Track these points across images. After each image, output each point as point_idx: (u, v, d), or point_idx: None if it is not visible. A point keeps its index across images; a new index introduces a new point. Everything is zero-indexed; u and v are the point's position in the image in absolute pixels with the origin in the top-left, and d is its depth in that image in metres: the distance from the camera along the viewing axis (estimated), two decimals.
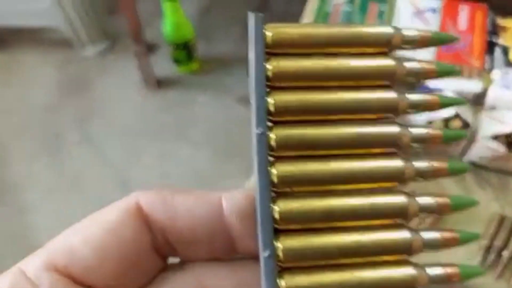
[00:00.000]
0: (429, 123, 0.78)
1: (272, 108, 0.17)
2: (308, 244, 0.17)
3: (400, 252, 0.18)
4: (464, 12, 0.96)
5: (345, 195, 0.18)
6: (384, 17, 0.96)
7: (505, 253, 0.72)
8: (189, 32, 1.50)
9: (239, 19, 1.73)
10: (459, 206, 0.20)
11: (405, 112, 0.19)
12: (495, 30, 0.94)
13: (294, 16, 1.09)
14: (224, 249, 0.20)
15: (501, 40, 0.93)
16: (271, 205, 0.17)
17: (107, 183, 1.42)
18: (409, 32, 0.19)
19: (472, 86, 0.83)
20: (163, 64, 1.61)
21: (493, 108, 0.82)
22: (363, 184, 0.18)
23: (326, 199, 0.18)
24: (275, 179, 0.17)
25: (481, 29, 0.94)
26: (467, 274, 0.20)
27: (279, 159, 0.18)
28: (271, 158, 0.18)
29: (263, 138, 0.17)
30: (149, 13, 1.65)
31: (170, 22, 1.45)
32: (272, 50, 0.18)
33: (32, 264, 0.18)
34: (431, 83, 0.82)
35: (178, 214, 0.19)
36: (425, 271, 0.19)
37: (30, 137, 1.51)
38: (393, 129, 0.19)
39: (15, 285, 0.17)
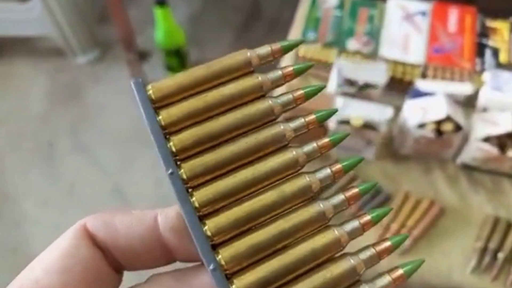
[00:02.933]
0: (422, 126, 0.78)
1: (174, 150, 0.21)
2: (244, 246, 0.20)
3: (318, 223, 0.21)
4: (453, 15, 0.97)
5: (258, 194, 0.21)
6: (374, 21, 0.96)
7: (500, 255, 0.72)
8: (181, 38, 1.50)
9: (231, 25, 1.74)
10: (350, 167, 0.23)
11: (281, 112, 0.23)
12: (485, 32, 0.95)
13: (285, 22, 1.10)
14: (163, 259, 0.22)
15: (491, 42, 0.94)
16: (202, 227, 0.20)
17: (102, 190, 1.41)
18: (262, 50, 0.23)
19: (463, 88, 0.83)
20: (155, 71, 1.61)
21: (484, 109, 0.82)
22: (270, 180, 0.22)
23: (244, 204, 0.21)
24: (197, 205, 0.20)
25: (470, 31, 0.95)
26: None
27: (195, 188, 0.21)
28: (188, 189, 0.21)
29: (175, 177, 0.20)
30: (141, 20, 1.65)
31: (162, 29, 1.44)
32: (161, 103, 0.22)
33: None
34: (422, 87, 0.82)
35: (118, 232, 0.21)
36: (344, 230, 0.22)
37: (24, 147, 1.50)
38: (277, 127, 0.22)
39: None
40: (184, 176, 0.21)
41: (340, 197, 0.22)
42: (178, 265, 0.22)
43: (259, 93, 0.23)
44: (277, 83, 0.23)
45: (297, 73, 0.23)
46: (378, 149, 0.82)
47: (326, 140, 0.23)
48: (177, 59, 1.53)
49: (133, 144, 1.49)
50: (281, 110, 0.23)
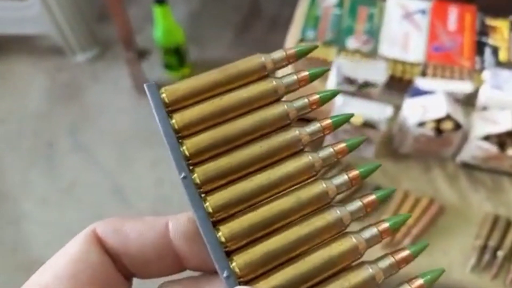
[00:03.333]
0: (421, 125, 0.78)
1: (187, 154, 0.21)
2: (259, 252, 0.20)
3: (335, 230, 0.21)
4: (453, 13, 0.97)
5: (273, 201, 0.21)
6: (373, 20, 0.96)
7: (500, 253, 0.72)
8: (180, 37, 1.49)
9: (231, 24, 1.73)
10: (367, 173, 0.22)
11: (296, 117, 0.22)
12: (484, 31, 0.95)
13: (284, 20, 1.09)
14: (174, 267, 0.22)
15: (491, 41, 0.93)
16: (216, 233, 0.20)
17: (101, 190, 1.41)
18: (277, 55, 0.23)
19: (463, 86, 0.83)
20: (154, 70, 1.60)
21: (484, 108, 0.82)
22: (285, 185, 0.21)
23: (259, 210, 0.20)
24: (210, 210, 0.20)
25: (470, 30, 0.95)
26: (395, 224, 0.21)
27: (208, 192, 0.20)
28: (202, 194, 0.20)
29: (187, 181, 0.20)
30: (140, 19, 1.64)
31: (161, 28, 1.44)
32: (174, 107, 0.21)
33: None
34: (422, 85, 0.82)
35: (129, 239, 0.21)
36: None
37: (23, 146, 1.50)
38: (292, 132, 0.22)
39: None
40: (198, 181, 0.20)
41: (358, 203, 0.21)
42: (188, 273, 0.22)
43: (274, 97, 0.22)
44: (291, 87, 0.23)
45: (312, 78, 0.23)
46: (377, 147, 0.82)
47: (343, 145, 0.22)
48: (176, 57, 1.53)
49: (133, 143, 1.49)
50: (296, 114, 0.22)
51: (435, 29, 0.94)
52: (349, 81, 0.82)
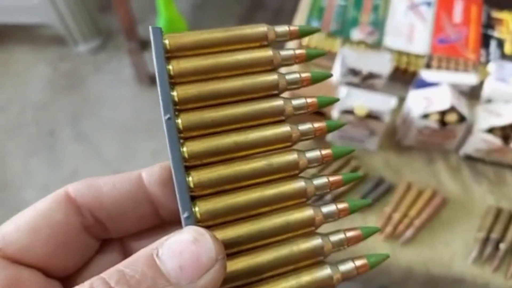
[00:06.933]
0: (425, 117, 0.78)
1: (176, 99, 0.21)
2: (222, 204, 0.21)
3: (297, 198, 0.22)
4: (459, 6, 0.96)
5: (246, 159, 0.22)
6: (378, 11, 0.96)
7: (502, 246, 0.72)
8: (183, 28, 1.49)
9: (233, 15, 1.73)
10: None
11: (285, 89, 0.23)
12: (490, 23, 0.94)
13: (288, 12, 1.09)
14: (150, 217, 0.22)
15: (496, 33, 0.93)
16: (186, 177, 0.21)
17: None
18: (280, 28, 0.24)
19: (468, 79, 0.83)
20: None
21: (488, 101, 0.82)
22: (260, 148, 0.22)
23: (231, 165, 0.22)
24: (186, 155, 0.21)
25: (476, 22, 0.94)
26: (367, 233, 0.22)
27: (187, 139, 0.21)
28: (181, 140, 0.21)
29: (171, 123, 0.21)
30: (143, 9, 1.64)
31: (164, 18, 1.44)
32: (173, 54, 0.22)
33: None
34: (427, 77, 0.82)
35: (103, 192, 0.21)
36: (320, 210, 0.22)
37: (25, 135, 1.50)
38: (278, 102, 0.23)
39: None
40: (180, 126, 0.21)
41: (324, 179, 0.23)
42: None
43: (269, 66, 0.23)
44: (287, 61, 0.24)
45: (309, 57, 0.24)
46: (381, 139, 0.82)
47: (323, 124, 0.23)
48: None
49: (134, 133, 1.49)
50: (285, 86, 0.23)
51: (440, 21, 0.94)
52: (354, 72, 0.82)
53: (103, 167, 1.43)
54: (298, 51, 0.24)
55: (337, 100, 0.24)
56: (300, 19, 0.96)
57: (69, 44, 1.66)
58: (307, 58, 0.24)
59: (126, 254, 0.23)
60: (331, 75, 0.24)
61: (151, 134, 1.48)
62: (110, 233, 0.23)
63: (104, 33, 1.70)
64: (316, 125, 0.23)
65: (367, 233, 0.22)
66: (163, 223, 0.23)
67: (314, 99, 0.23)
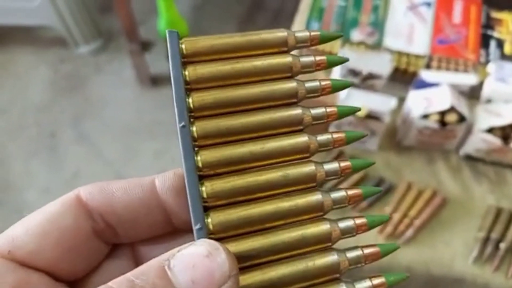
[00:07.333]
0: (425, 117, 0.78)
1: (191, 106, 0.21)
2: (236, 215, 0.20)
3: (314, 212, 0.21)
4: (458, 6, 0.96)
5: (261, 170, 0.21)
6: (378, 12, 0.96)
7: (502, 245, 0.73)
8: (184, 29, 1.49)
9: (234, 16, 1.73)
10: (359, 167, 0.23)
11: (304, 97, 0.22)
12: (489, 24, 0.95)
13: (288, 12, 1.09)
14: (162, 224, 0.22)
15: (496, 33, 0.93)
16: (199, 187, 0.20)
17: (104, 181, 1.41)
18: (300, 33, 0.23)
19: (467, 79, 0.83)
20: (157, 62, 1.60)
21: (488, 101, 0.82)
22: (276, 159, 0.21)
23: (245, 176, 0.21)
24: (200, 165, 0.20)
25: (475, 23, 0.94)
26: (385, 251, 0.22)
27: (202, 147, 0.21)
28: (195, 148, 0.21)
29: (185, 131, 0.20)
30: (144, 10, 1.64)
31: (165, 19, 1.44)
32: (190, 59, 0.21)
33: None
34: (427, 78, 0.82)
35: (115, 197, 0.21)
36: (337, 225, 0.21)
37: (26, 137, 1.50)
38: (296, 111, 0.22)
39: None
40: (195, 134, 0.21)
41: (342, 193, 0.22)
42: None
43: (288, 73, 0.22)
44: (307, 68, 0.23)
45: (330, 64, 0.23)
46: (381, 139, 0.82)
47: (342, 134, 0.22)
48: None
49: (135, 134, 1.49)
50: (304, 94, 0.22)
51: (440, 21, 0.94)
52: (354, 73, 0.82)
53: (105, 168, 1.43)
54: (318, 58, 0.23)
55: (358, 109, 0.23)
56: (300, 20, 0.97)
57: (70, 46, 1.67)
58: (328, 65, 0.23)
59: (136, 259, 0.23)
60: (352, 84, 0.23)
61: (153, 134, 1.48)
62: (121, 238, 0.22)
63: (105, 34, 1.71)
64: (336, 135, 0.22)
65: (385, 252, 0.22)
66: (176, 230, 0.23)
67: (334, 108, 0.22)
